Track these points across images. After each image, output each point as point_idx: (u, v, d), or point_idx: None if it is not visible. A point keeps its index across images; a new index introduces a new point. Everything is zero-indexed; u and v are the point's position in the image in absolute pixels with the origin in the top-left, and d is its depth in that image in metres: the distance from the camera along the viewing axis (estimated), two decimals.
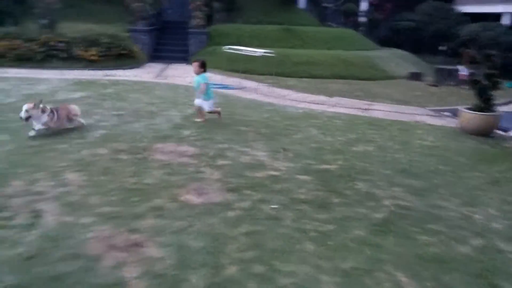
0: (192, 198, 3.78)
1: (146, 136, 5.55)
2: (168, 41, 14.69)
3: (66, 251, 2.86)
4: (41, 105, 5.17)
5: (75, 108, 5.77)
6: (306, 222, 3.43)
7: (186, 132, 5.83)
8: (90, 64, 11.40)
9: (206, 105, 6.38)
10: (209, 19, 14.43)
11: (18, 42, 11.10)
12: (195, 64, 6.38)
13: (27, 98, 7.36)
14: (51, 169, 4.26)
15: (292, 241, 3.14)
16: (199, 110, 6.45)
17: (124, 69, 11.49)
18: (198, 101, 6.38)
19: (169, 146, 5.20)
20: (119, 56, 11.84)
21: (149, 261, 2.80)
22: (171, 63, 13.27)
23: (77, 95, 7.95)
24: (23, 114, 5.03)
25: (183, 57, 13.59)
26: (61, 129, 5.47)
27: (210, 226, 3.30)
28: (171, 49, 14.17)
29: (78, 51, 11.35)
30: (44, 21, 11.53)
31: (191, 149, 5.12)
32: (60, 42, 11.35)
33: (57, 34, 11.49)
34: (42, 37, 11.31)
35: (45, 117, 5.19)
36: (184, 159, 4.77)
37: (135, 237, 3.09)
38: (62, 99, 7.51)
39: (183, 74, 11.38)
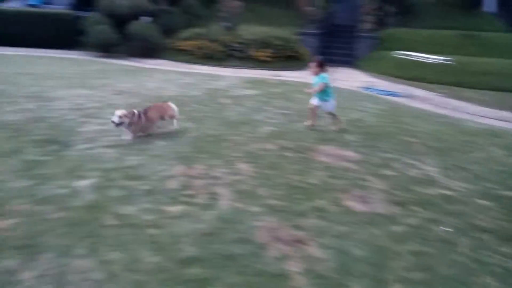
0: (355, 205, 3.70)
1: (310, 136, 5.67)
2: (334, 45, 14.74)
3: (237, 235, 3.11)
4: (135, 111, 5.09)
5: (173, 108, 5.55)
6: (487, 253, 3.01)
7: (350, 137, 5.75)
8: (262, 64, 12.22)
9: (328, 106, 5.95)
10: (380, 23, 13.95)
11: (204, 42, 12.59)
12: (312, 64, 5.93)
13: (209, 92, 8.32)
14: (226, 158, 4.69)
15: (469, 272, 2.79)
16: (313, 111, 6.04)
17: (291, 70, 11.98)
18: (314, 101, 5.95)
19: (332, 149, 5.20)
20: (287, 58, 12.39)
21: (311, 260, 2.84)
22: (336, 66, 13.29)
23: (249, 92, 8.60)
24: (116, 119, 4.90)
25: (349, 61, 13.49)
26: (152, 132, 5.37)
27: (373, 237, 3.17)
28: (337, 53, 14.18)
29: (252, 52, 12.29)
30: (227, 24, 12.79)
31: (354, 155, 5.02)
32: (238, 43, 12.44)
33: (236, 36, 12.63)
34: (224, 38, 12.59)
35: (131, 127, 5.08)
36: (347, 164, 4.71)
37: (298, 233, 3.18)
38: (236, 95, 8.24)
39: (347, 78, 11.30)
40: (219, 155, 4.76)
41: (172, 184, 3.95)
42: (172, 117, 5.51)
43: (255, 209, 3.54)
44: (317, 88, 5.74)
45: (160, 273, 2.62)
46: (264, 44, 12.28)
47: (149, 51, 12.44)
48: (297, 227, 3.27)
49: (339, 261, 2.84)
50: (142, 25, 12.41)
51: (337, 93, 9.07)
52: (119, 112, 4.93)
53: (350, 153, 5.08)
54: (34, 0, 15.13)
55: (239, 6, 12.86)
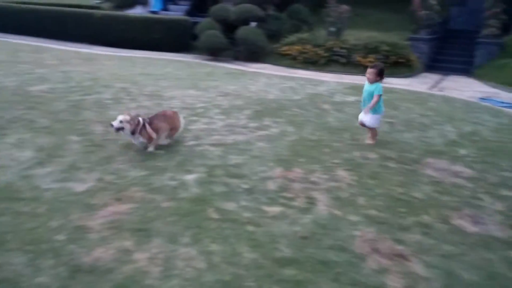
0: (466, 225, 3.39)
1: (416, 148, 5.34)
2: (448, 51, 13.68)
3: (334, 242, 3.07)
4: (138, 119, 4.58)
5: (180, 120, 5.06)
6: None
7: (463, 151, 5.29)
8: (365, 70, 11.78)
9: (370, 120, 5.31)
10: (505, 28, 12.57)
11: (308, 47, 12.61)
12: (372, 71, 5.19)
13: (310, 96, 8.32)
14: (325, 164, 4.65)
15: None
16: (371, 130, 5.47)
17: (398, 77, 11.41)
18: (363, 116, 5.38)
19: (442, 163, 4.83)
20: (395, 64, 11.81)
21: (413, 277, 2.68)
22: (448, 74, 12.33)
23: (351, 98, 8.39)
24: (116, 123, 4.45)
25: (465, 69, 12.40)
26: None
27: (486, 262, 2.88)
28: (450, 60, 13.14)
29: (357, 58, 11.98)
30: (333, 29, 12.66)
31: (467, 171, 4.60)
32: (342, 48, 12.23)
33: (341, 41, 12.43)
34: (328, 43, 12.48)
35: (139, 137, 4.62)
36: (459, 180, 4.34)
37: (399, 248, 3.02)
38: (337, 101, 8.11)
39: (462, 87, 10.40)
40: (318, 160, 4.73)
41: (271, 185, 4.03)
42: (177, 129, 5.03)
43: (354, 218, 3.45)
44: (374, 101, 5.13)
45: (256, 269, 2.69)
46: (370, 49, 11.87)
47: (254, 55, 12.85)
48: (399, 241, 3.10)
49: (444, 282, 2.64)
50: (249, 30, 12.87)
51: (449, 103, 8.48)
52: (121, 117, 4.50)
53: (462, 169, 4.67)
54: (155, 7, 16.66)
55: (347, 11, 12.62)
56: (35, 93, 6.99)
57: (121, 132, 4.52)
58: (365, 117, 5.34)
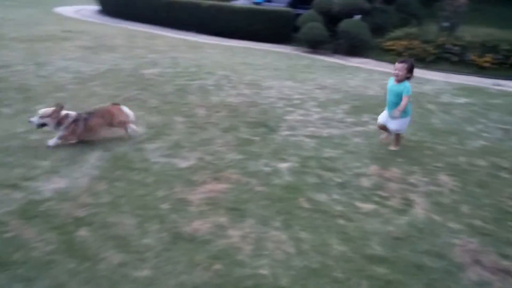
0: None
1: None
2: None
3: (430, 247, 2.91)
4: (62, 113, 4.15)
5: (125, 113, 4.55)
6: None
7: None
8: (479, 71, 10.83)
9: (397, 124, 4.64)
10: None
11: (415, 43, 11.88)
12: (402, 66, 4.43)
13: (414, 95, 7.82)
14: (426, 166, 4.39)
15: None
16: (395, 135, 4.82)
17: None
18: (389, 121, 4.73)
19: None
20: None
21: None
22: None
23: (460, 100, 7.77)
24: (35, 119, 4.07)
25: None
26: (99, 138, 4.47)
27: None
28: None
29: (471, 56, 11.01)
30: (446, 24, 11.76)
31: None
32: (455, 45, 11.32)
33: (455, 38, 11.50)
34: (439, 40, 11.63)
35: (61, 130, 4.16)
36: None
37: (505, 263, 2.76)
38: (444, 102, 7.56)
39: None
40: (418, 162, 4.49)
41: (365, 182, 3.94)
42: (123, 123, 4.52)
43: (455, 225, 3.22)
44: (404, 105, 4.41)
45: (345, 262, 2.67)
46: (488, 48, 10.82)
47: (355, 49, 12.48)
48: (505, 256, 2.84)
49: None
50: (352, 23, 12.52)
51: None
52: (41, 111, 4.12)
53: None
54: None
55: (464, 4, 11.60)
56: (147, 76, 7.65)
57: (45, 127, 4.16)
58: (391, 122, 4.71)
